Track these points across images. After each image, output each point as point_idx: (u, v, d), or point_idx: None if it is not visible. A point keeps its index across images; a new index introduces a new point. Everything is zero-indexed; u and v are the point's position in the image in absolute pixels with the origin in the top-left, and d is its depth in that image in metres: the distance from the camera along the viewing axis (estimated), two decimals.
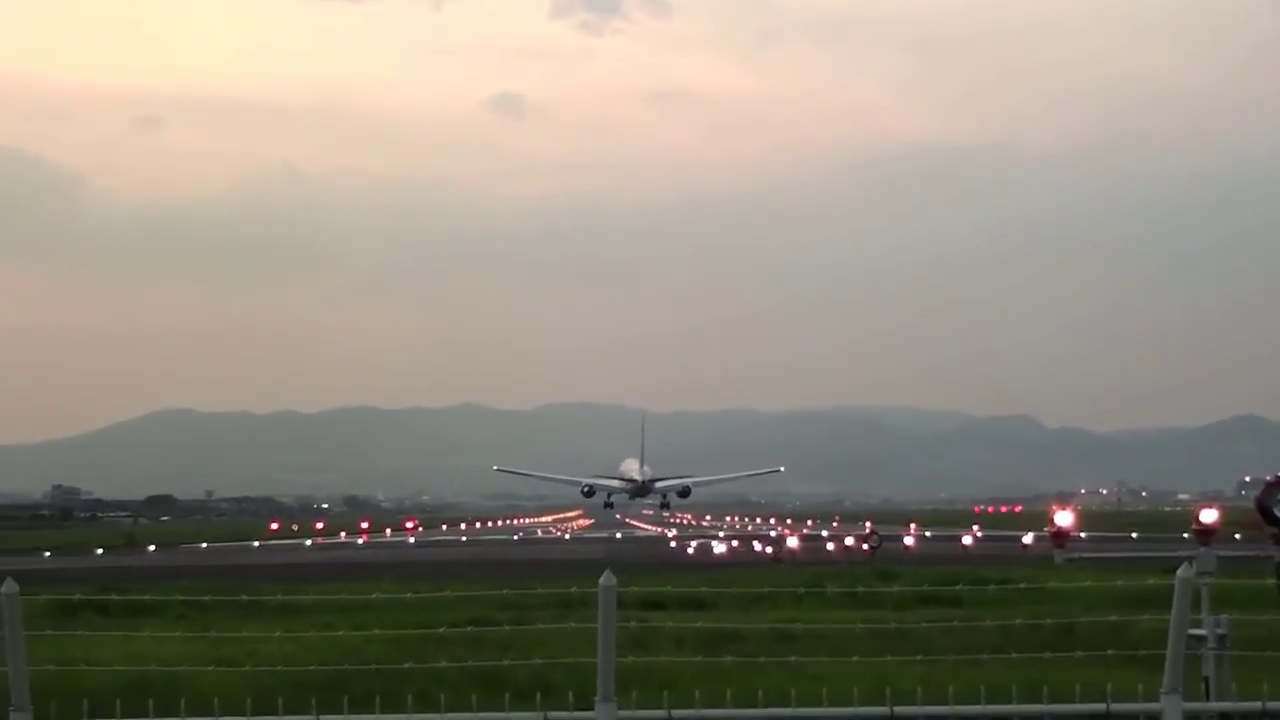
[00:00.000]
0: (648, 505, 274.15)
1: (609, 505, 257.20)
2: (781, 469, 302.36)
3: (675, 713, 13.86)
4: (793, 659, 23.49)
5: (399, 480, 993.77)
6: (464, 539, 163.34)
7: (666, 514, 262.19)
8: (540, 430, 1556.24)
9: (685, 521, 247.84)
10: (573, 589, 32.34)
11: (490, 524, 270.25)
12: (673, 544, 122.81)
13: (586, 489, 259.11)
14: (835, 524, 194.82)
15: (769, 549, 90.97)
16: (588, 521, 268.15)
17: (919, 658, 23.10)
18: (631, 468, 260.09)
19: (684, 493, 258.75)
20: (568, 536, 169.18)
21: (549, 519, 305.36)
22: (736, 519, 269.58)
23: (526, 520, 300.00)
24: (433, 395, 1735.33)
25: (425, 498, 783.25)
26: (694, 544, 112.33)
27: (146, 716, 13.71)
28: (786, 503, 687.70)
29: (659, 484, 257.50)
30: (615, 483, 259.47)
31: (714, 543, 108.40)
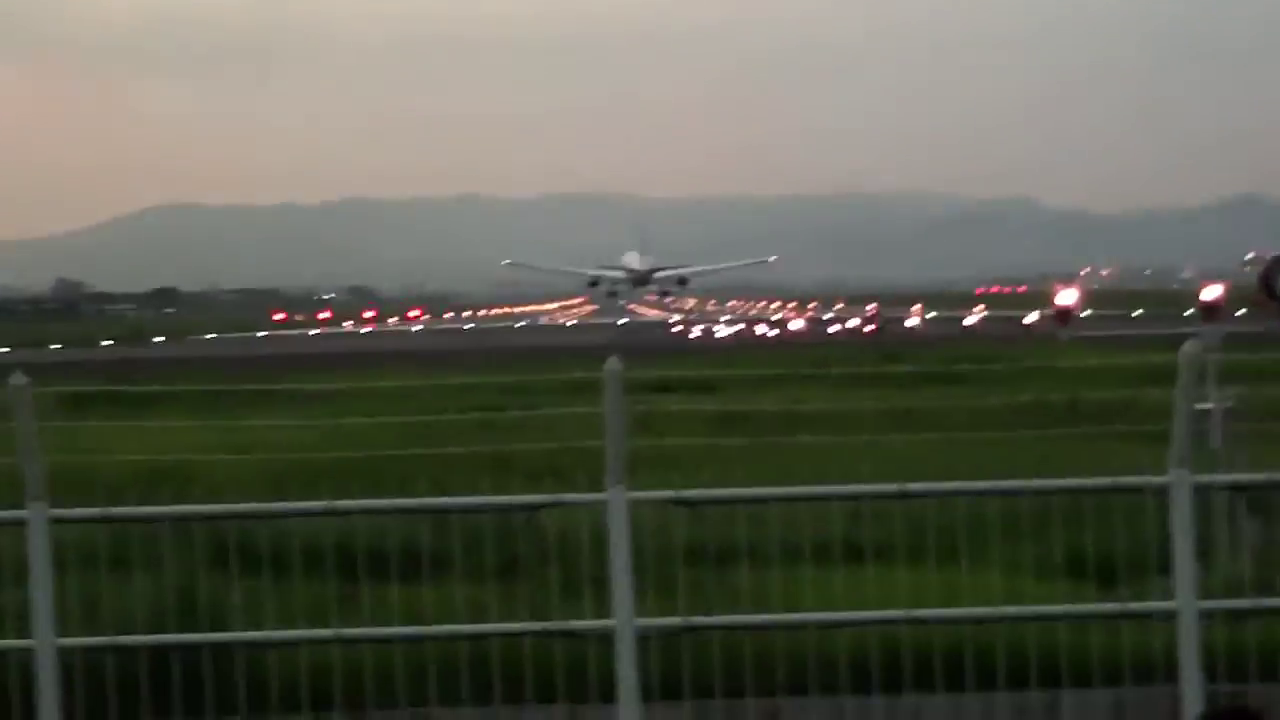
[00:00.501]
0: (651, 294, 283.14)
1: (613, 294, 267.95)
2: (772, 259, 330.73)
3: (684, 493, 13.92)
4: (801, 438, 23.64)
5: (404, 272, 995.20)
6: (469, 327, 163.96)
7: (669, 300, 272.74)
8: (543, 220, 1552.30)
9: (688, 308, 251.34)
10: (577, 373, 32.50)
11: (498, 312, 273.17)
12: (676, 329, 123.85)
13: (592, 279, 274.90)
14: (839, 307, 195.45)
15: (770, 330, 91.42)
16: (592, 309, 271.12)
17: (927, 435, 23.24)
18: (632, 259, 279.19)
19: (682, 281, 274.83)
20: (572, 324, 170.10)
21: (554, 306, 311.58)
22: (740, 304, 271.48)
23: (531, 308, 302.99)
24: (434, 184, 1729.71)
25: (430, 287, 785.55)
26: (698, 329, 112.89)
27: (161, 503, 13.85)
28: (793, 286, 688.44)
29: (658, 274, 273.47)
30: (618, 273, 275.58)
31: (717, 327, 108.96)
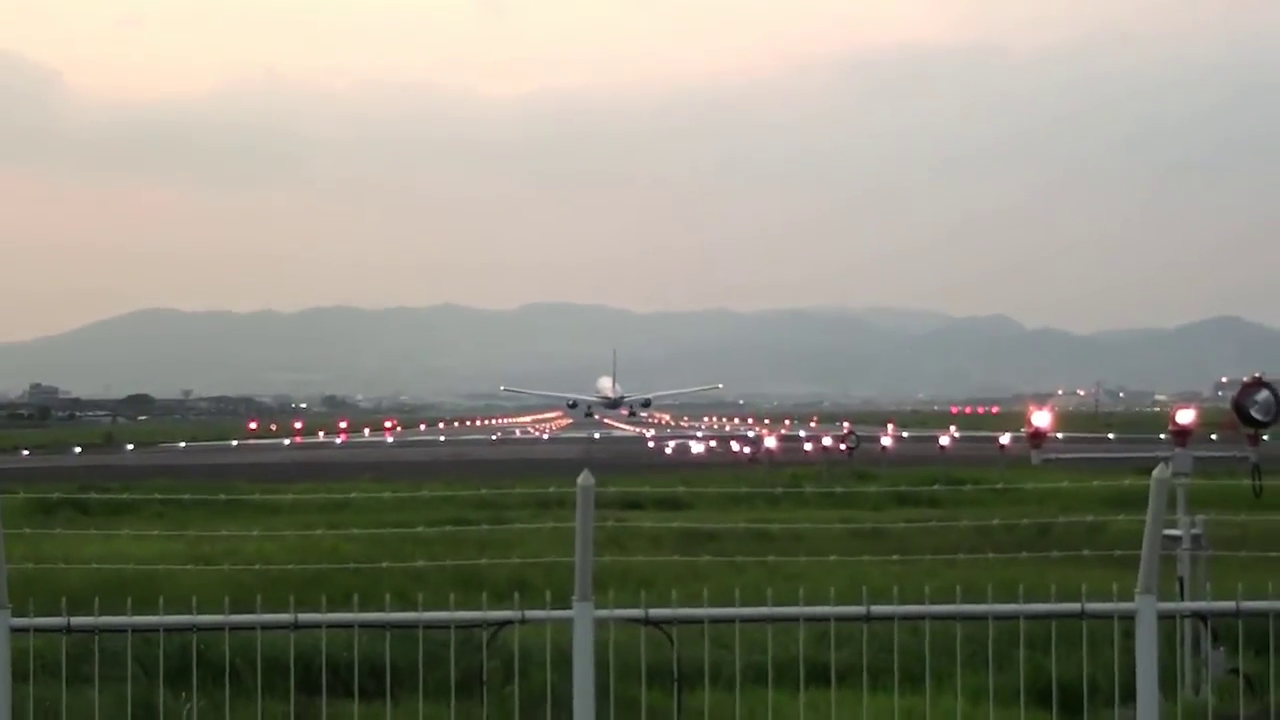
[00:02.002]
0: (625, 415, 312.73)
1: (589, 415, 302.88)
2: (720, 385, 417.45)
3: (652, 611, 13.87)
4: (770, 558, 23.64)
5: (379, 381, 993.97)
6: (442, 439, 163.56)
7: (645, 413, 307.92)
8: (521, 331, 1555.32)
9: (663, 422, 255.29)
10: (550, 489, 32.46)
11: (469, 424, 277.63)
12: (650, 444, 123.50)
13: (571, 401, 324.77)
14: (813, 424, 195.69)
15: (746, 449, 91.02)
16: (566, 421, 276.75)
17: (895, 557, 23.26)
18: (605, 385, 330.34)
19: (645, 404, 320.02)
20: (546, 437, 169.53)
21: (528, 419, 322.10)
22: (714, 420, 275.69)
23: (505, 421, 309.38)
24: (414, 295, 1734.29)
25: (404, 398, 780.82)
26: (671, 444, 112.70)
27: (124, 613, 13.73)
28: (764, 403, 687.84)
29: (626, 398, 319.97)
30: (593, 398, 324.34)
31: (692, 443, 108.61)
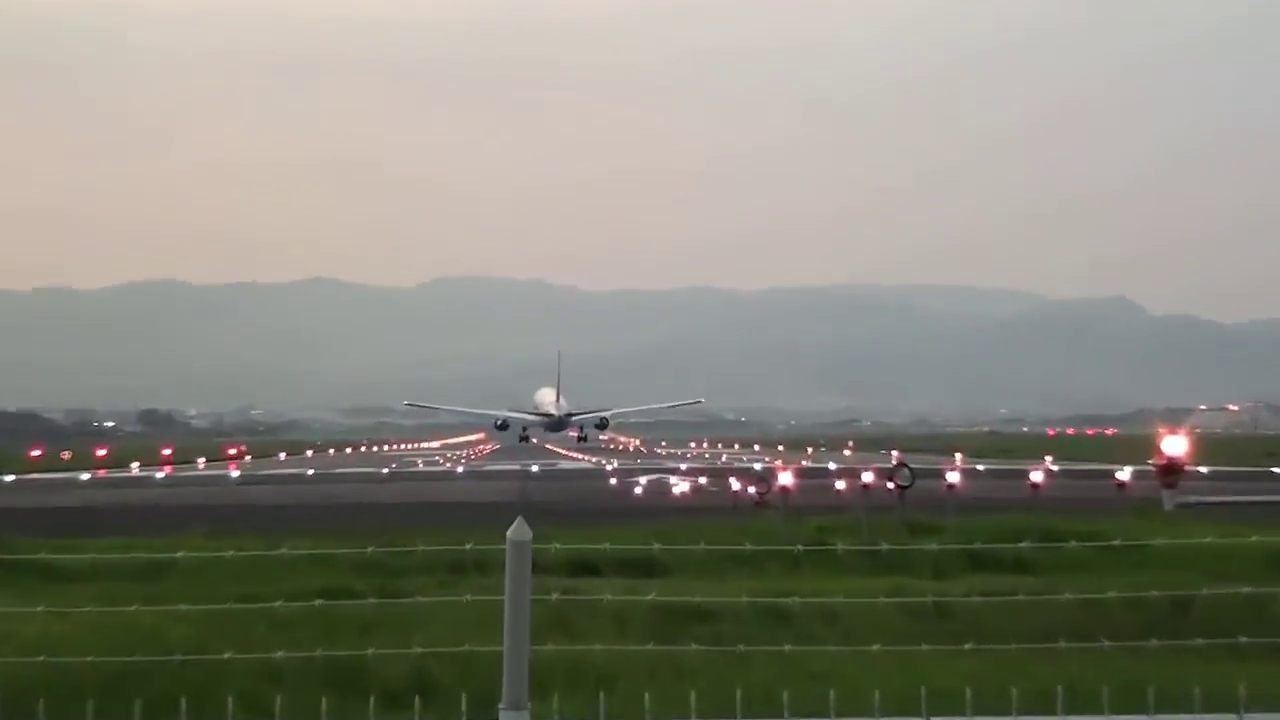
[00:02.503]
0: (575, 438, 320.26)
1: (525, 439, 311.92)
2: (703, 400, 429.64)
3: None
4: (786, 648, 23.50)
5: (219, 388, 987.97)
6: (311, 473, 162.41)
7: (603, 437, 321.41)
8: (427, 316, 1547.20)
9: (629, 449, 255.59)
10: (468, 545, 32.10)
11: (352, 451, 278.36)
12: (612, 480, 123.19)
13: (500, 421, 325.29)
14: (847, 453, 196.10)
15: (751, 488, 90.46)
16: (492, 448, 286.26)
17: (968, 647, 23.16)
18: (546, 398, 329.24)
19: (601, 425, 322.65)
20: (462, 470, 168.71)
21: (436, 445, 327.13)
22: (703, 446, 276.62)
23: (404, 447, 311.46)
24: (271, 266, 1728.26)
25: (257, 413, 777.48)
26: (643, 481, 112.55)
27: None
28: (775, 422, 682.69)
29: (575, 416, 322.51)
30: (530, 416, 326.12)
31: (671, 479, 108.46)
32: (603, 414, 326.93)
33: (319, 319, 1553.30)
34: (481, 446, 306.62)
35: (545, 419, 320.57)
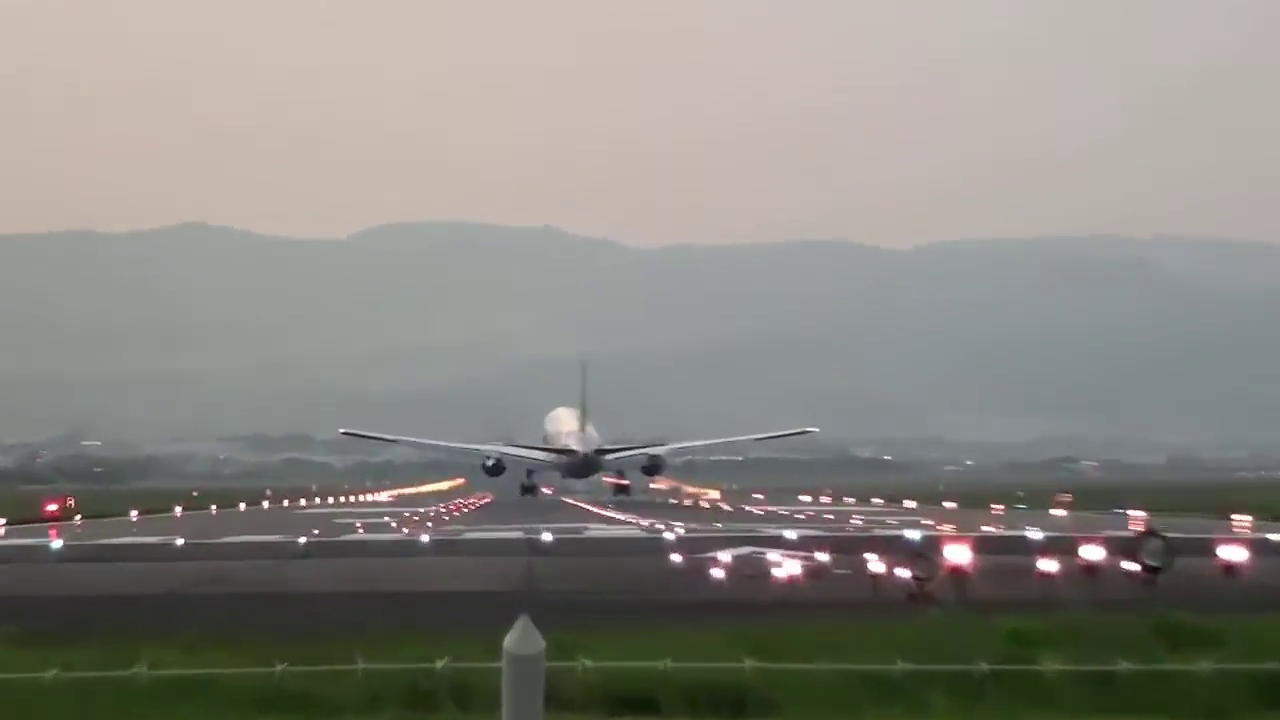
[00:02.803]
0: (613, 485, 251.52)
1: (530, 490, 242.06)
2: (815, 430, 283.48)
3: None
4: None
5: (33, 404, 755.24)
6: (182, 543, 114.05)
7: (656, 483, 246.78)
8: (357, 278, 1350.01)
9: (707, 503, 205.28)
10: (439, 662, 27.69)
11: (250, 506, 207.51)
12: (675, 556, 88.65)
13: (492, 462, 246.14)
14: (1060, 512, 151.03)
15: (904, 570, 66.55)
16: (480, 501, 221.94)
17: None
18: (565, 427, 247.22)
19: (653, 467, 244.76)
20: (427, 539, 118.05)
21: (386, 497, 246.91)
22: (827, 500, 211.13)
23: (334, 500, 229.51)
24: (127, 211, 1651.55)
25: (92, 444, 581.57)
26: (726, 556, 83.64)
27: None
28: (941, 461, 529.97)
29: (611, 455, 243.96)
30: (540, 454, 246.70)
31: (774, 554, 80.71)
32: (654, 450, 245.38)
33: (191, 285, 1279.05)
34: (461, 501, 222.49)
35: (564, 458, 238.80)
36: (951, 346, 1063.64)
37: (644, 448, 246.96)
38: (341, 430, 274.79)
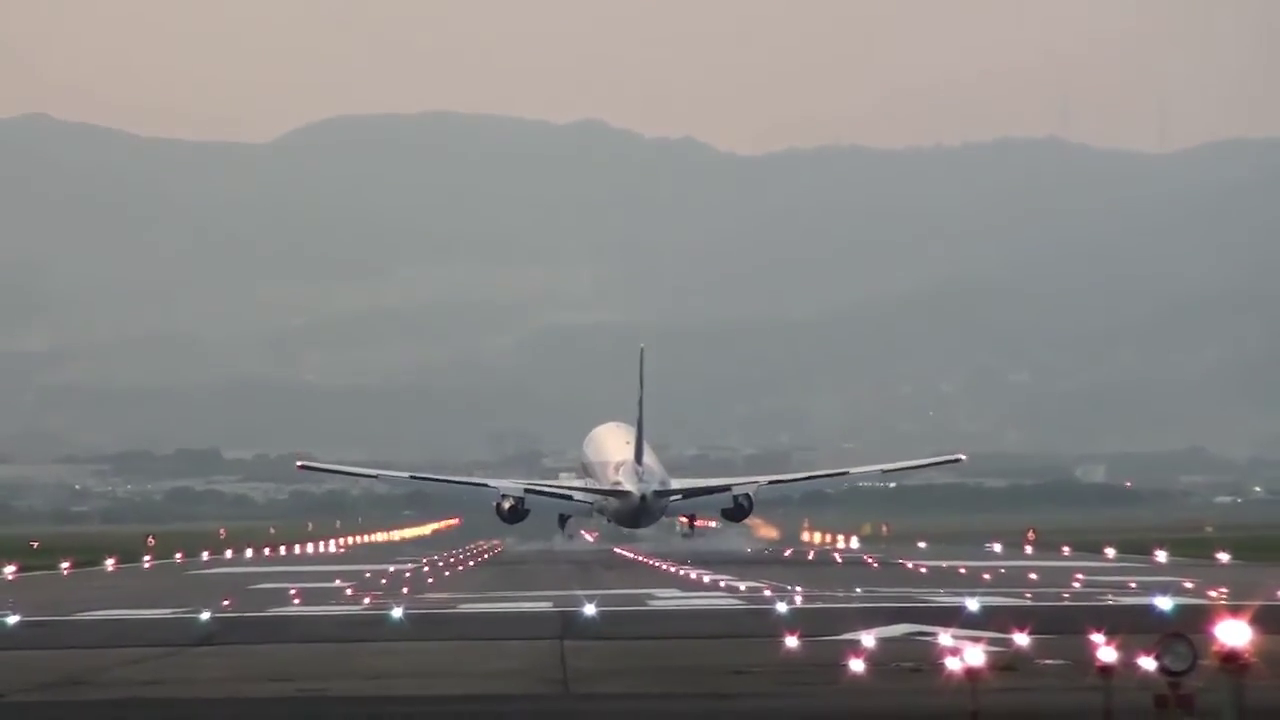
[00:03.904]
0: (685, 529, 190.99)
1: (566, 533, 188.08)
2: (962, 458, 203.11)
3: None
4: None
5: None
6: (15, 620, 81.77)
7: (747, 523, 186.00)
8: (285, 202, 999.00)
9: (839, 556, 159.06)
10: None
11: (126, 563, 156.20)
12: (791, 640, 61.46)
13: (510, 503, 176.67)
14: None
15: (1149, 658, 47.03)
16: (480, 552, 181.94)
17: None
18: (615, 454, 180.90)
19: (739, 509, 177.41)
20: (399, 614, 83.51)
21: (334, 546, 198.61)
22: (1029, 549, 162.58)
23: (249, 556, 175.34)
24: None
25: None
26: (870, 639, 61.13)
27: None
28: (1201, 485, 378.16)
29: (675, 496, 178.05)
30: (578, 493, 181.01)
31: (945, 633, 59.80)
32: (743, 484, 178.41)
33: (29, 213, 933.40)
34: (454, 551, 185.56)
35: (612, 501, 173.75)
36: (1234, 321, 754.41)
37: (736, 483, 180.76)
38: (300, 464, 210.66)
